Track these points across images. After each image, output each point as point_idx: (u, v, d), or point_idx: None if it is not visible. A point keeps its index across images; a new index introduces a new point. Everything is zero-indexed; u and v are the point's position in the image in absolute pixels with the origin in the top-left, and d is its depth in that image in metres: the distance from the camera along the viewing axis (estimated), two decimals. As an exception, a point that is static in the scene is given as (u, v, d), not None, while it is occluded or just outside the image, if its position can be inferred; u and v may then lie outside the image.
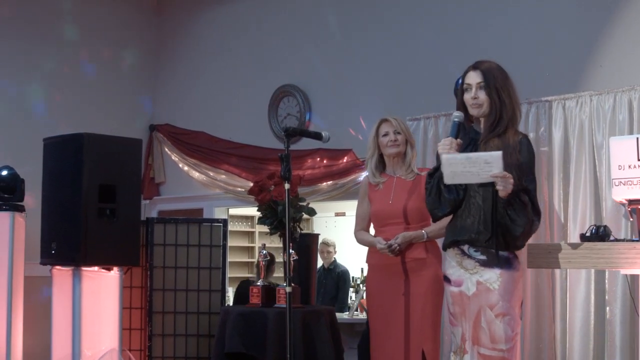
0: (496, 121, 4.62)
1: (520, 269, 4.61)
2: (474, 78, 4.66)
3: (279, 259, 11.54)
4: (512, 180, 4.39)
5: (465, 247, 4.64)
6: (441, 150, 4.57)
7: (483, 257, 4.58)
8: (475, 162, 4.39)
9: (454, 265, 4.70)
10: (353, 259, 9.84)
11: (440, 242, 5.13)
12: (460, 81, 5.12)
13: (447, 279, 4.76)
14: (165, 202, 9.99)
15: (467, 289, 4.63)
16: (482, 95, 4.63)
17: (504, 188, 4.39)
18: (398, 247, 5.45)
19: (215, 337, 6.81)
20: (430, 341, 5.47)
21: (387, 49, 8.12)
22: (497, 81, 4.63)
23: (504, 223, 4.51)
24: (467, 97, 4.68)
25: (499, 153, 4.38)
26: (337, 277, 10.10)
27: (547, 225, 6.44)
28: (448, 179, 4.52)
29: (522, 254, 4.68)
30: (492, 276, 4.55)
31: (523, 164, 4.55)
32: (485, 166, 4.37)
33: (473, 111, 4.67)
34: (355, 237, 5.86)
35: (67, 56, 9.32)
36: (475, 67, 4.70)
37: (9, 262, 7.41)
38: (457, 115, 4.66)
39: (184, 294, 7.45)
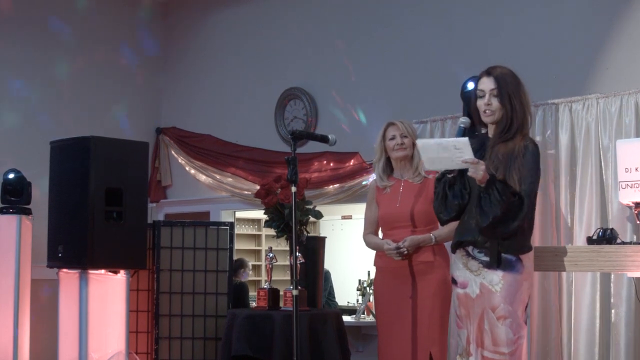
0: (506, 128, 4.63)
1: (524, 273, 4.59)
2: (487, 84, 4.67)
3: (286, 262, 11.60)
4: (482, 167, 4.42)
5: (470, 249, 4.65)
6: None
7: (486, 259, 4.58)
8: (446, 148, 4.47)
9: (460, 267, 4.70)
10: (360, 261, 9.84)
11: (448, 244, 5.13)
12: (467, 84, 5.13)
13: (454, 281, 4.77)
14: (171, 205, 10.00)
15: (471, 290, 4.63)
16: (495, 102, 4.64)
17: (474, 173, 4.42)
18: (406, 251, 5.46)
19: (221, 340, 6.82)
20: (437, 344, 5.47)
21: (393, 52, 8.12)
22: (509, 88, 4.63)
23: (475, 213, 4.52)
24: (480, 103, 4.68)
25: (465, 139, 4.44)
26: None
27: (554, 228, 6.44)
28: (427, 164, 4.67)
29: (529, 258, 4.67)
30: (495, 278, 4.55)
31: (524, 167, 4.54)
32: (456, 152, 4.44)
33: (486, 118, 4.68)
34: (364, 240, 5.87)
35: (73, 60, 9.33)
36: (488, 73, 4.70)
37: (15, 265, 7.44)
38: (463, 120, 4.68)
39: (191, 296, 7.46)
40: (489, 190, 4.45)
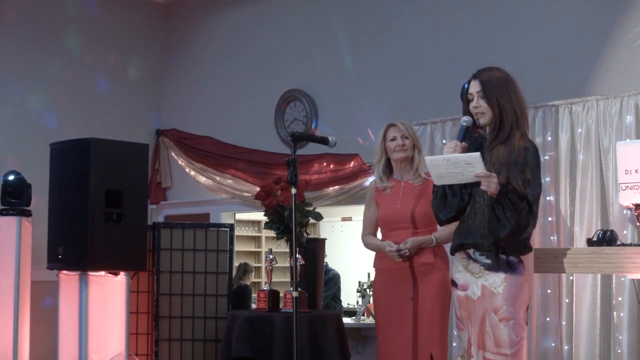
0: (497, 127, 4.63)
1: (525, 274, 4.60)
2: (474, 87, 4.70)
3: (286, 263, 11.60)
4: (495, 180, 4.40)
5: (471, 251, 4.64)
6: (445, 152, 4.59)
7: (488, 261, 4.57)
8: (456, 163, 4.42)
9: (460, 270, 4.69)
10: (360, 263, 9.85)
11: (448, 246, 5.13)
12: (466, 86, 5.12)
13: (454, 283, 4.76)
14: (171, 207, 10.00)
15: (472, 293, 4.62)
16: (483, 104, 4.65)
17: (487, 187, 4.40)
18: (407, 252, 5.46)
19: (221, 342, 6.82)
20: (438, 346, 5.46)
21: (393, 54, 8.12)
22: (495, 88, 4.64)
23: (492, 224, 4.51)
24: (471, 106, 4.70)
25: (477, 154, 4.40)
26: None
27: (554, 230, 6.43)
28: (436, 181, 4.57)
29: (529, 259, 4.67)
30: (497, 280, 4.54)
31: (527, 170, 4.54)
32: (467, 167, 4.40)
33: (478, 120, 4.69)
34: (363, 241, 5.85)
35: (74, 62, 9.34)
36: (475, 76, 4.73)
37: (15, 267, 7.44)
38: (466, 119, 4.67)
39: (191, 298, 7.46)
40: (500, 200, 4.45)
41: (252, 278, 10.52)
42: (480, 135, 4.77)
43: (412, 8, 8.04)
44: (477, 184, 4.49)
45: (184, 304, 7.44)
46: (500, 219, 4.48)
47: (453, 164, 4.43)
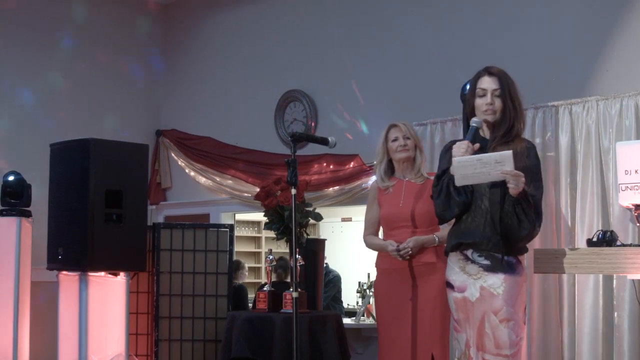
0: (508, 129, 4.61)
1: (523, 274, 4.60)
2: (489, 84, 4.63)
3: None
4: (523, 179, 4.37)
5: (469, 252, 4.62)
6: (455, 152, 4.54)
7: (487, 262, 4.56)
8: (486, 163, 4.38)
9: (457, 271, 4.68)
10: (360, 263, 9.84)
11: (447, 247, 5.13)
12: (467, 87, 5.10)
13: (450, 285, 4.74)
14: (171, 207, 10.00)
15: (470, 294, 4.61)
16: (498, 102, 4.61)
17: (516, 186, 4.37)
18: (409, 251, 5.45)
19: (221, 342, 6.82)
20: (439, 345, 5.46)
21: (393, 54, 8.11)
22: (511, 88, 4.62)
23: (510, 223, 4.48)
24: (481, 102, 4.64)
25: (510, 152, 4.36)
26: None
27: (554, 230, 6.43)
28: (459, 181, 4.52)
29: (526, 259, 4.67)
30: (496, 281, 4.53)
31: (531, 170, 4.54)
32: (496, 165, 4.36)
33: (487, 117, 4.64)
34: (365, 242, 5.84)
35: (74, 62, 9.33)
36: (490, 72, 4.67)
37: (15, 267, 7.44)
38: (476, 120, 4.64)
39: (191, 299, 7.45)
40: (521, 200, 4.43)
41: (247, 275, 10.50)
42: (480, 137, 4.75)
43: (412, 8, 8.04)
44: (498, 184, 4.46)
45: (183, 305, 7.44)
46: (522, 220, 4.46)
47: (483, 163, 4.39)
